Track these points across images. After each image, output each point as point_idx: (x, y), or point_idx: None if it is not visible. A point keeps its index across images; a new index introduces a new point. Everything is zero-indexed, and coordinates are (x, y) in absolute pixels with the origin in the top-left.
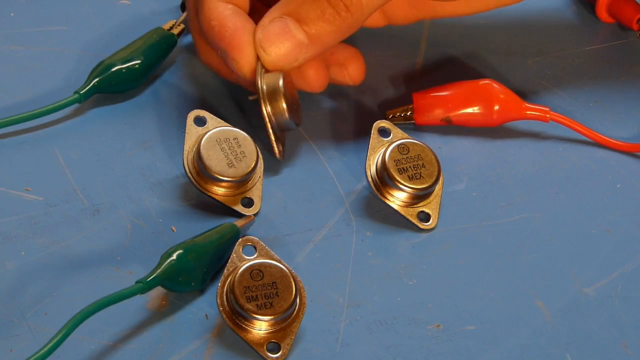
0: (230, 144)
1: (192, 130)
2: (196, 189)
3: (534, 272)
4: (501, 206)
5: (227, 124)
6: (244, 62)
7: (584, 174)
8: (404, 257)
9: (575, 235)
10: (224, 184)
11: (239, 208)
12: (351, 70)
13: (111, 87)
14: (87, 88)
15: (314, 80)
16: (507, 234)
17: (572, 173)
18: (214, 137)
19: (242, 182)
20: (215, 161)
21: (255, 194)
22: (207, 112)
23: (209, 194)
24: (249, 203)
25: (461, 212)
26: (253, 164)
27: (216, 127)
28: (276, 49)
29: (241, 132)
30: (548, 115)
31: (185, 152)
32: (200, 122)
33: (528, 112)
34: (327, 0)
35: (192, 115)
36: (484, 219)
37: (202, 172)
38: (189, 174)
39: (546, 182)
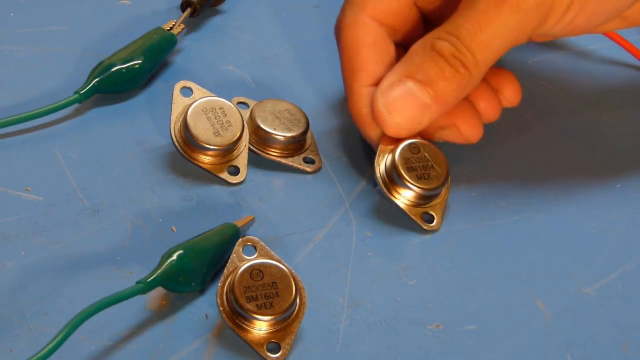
0: (216, 113)
1: (179, 101)
2: (183, 158)
3: (534, 272)
4: (501, 206)
5: (212, 95)
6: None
7: (584, 174)
8: (404, 257)
9: (575, 235)
10: (210, 152)
11: (225, 176)
12: (507, 94)
13: (111, 87)
14: (87, 88)
15: (486, 110)
16: (507, 234)
17: (573, 173)
18: (200, 107)
19: (228, 151)
20: (201, 130)
21: (241, 162)
22: (193, 83)
23: (195, 162)
24: (235, 171)
25: (461, 212)
26: (239, 133)
27: (202, 97)
28: (401, 113)
29: (227, 102)
30: None
31: (172, 122)
32: (186, 92)
33: None
34: (445, 59)
35: (178, 86)
36: (484, 219)
37: (189, 141)
38: (176, 143)
39: (546, 182)
